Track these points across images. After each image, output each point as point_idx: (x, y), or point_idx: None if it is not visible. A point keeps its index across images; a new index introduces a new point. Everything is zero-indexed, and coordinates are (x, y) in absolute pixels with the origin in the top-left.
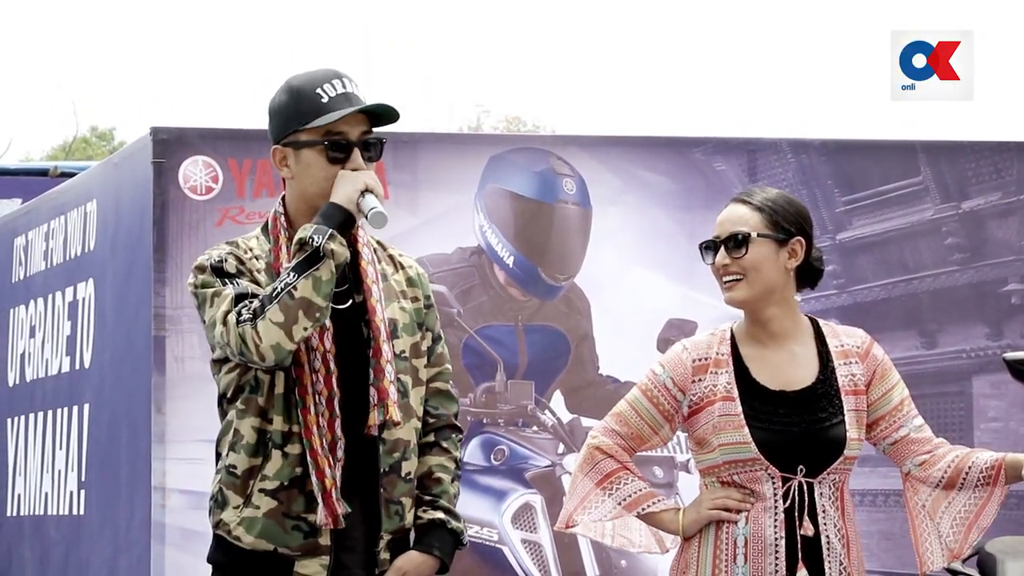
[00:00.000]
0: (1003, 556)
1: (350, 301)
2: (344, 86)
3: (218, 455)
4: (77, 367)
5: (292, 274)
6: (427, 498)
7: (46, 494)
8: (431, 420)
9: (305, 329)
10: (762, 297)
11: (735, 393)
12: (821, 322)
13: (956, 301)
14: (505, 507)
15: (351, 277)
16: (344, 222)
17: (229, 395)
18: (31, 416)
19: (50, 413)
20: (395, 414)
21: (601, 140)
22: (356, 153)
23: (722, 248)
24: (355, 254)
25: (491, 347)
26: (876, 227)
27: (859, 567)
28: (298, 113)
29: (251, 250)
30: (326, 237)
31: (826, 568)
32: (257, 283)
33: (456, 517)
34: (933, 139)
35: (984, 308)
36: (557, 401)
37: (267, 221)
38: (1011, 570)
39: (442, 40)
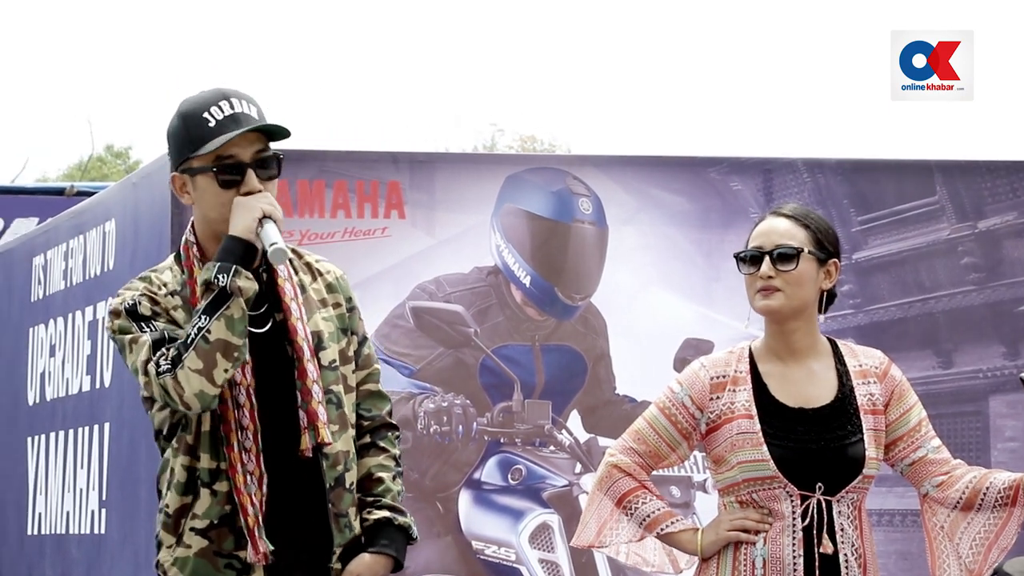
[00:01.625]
0: None
1: (270, 322)
2: (232, 107)
3: (159, 493)
4: (97, 386)
5: (203, 317)
6: (370, 499)
7: (67, 513)
8: (365, 422)
9: (226, 371)
10: (795, 312)
11: (754, 411)
12: (839, 342)
13: (972, 321)
14: (522, 527)
15: (269, 296)
16: (245, 254)
17: (165, 432)
18: (52, 435)
19: (71, 432)
20: (326, 436)
21: (617, 160)
22: (250, 175)
23: (766, 259)
24: (271, 271)
25: (508, 367)
26: (892, 247)
27: None
28: (188, 140)
29: (165, 285)
30: (230, 275)
31: None
32: (174, 321)
33: (402, 513)
34: (949, 159)
35: (1000, 328)
36: (574, 421)
37: (179, 250)
38: None
39: (456, 59)
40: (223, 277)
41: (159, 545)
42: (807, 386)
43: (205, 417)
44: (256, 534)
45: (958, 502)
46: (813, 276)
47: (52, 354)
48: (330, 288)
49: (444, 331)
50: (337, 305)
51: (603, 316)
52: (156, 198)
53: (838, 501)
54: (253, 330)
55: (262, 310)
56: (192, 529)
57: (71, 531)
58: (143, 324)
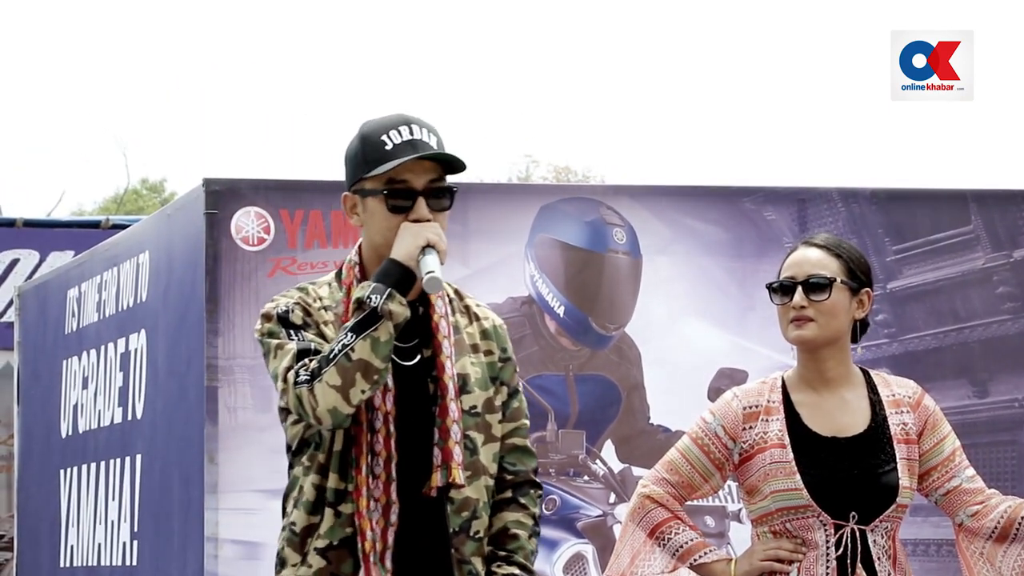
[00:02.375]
0: None
1: (418, 357)
2: (412, 132)
3: (284, 510)
4: (129, 418)
5: (350, 335)
6: (502, 554)
7: (99, 545)
8: (508, 477)
9: (363, 392)
10: (827, 341)
11: (787, 440)
12: (872, 372)
13: (1008, 350)
14: (556, 557)
15: (421, 331)
16: (402, 279)
17: (295, 447)
18: (84, 467)
19: (103, 464)
20: (459, 477)
21: (651, 190)
22: (420, 202)
23: (799, 289)
24: (428, 306)
25: (542, 396)
26: (927, 276)
27: None
28: (364, 161)
29: (320, 299)
30: (384, 297)
31: None
32: (323, 335)
33: (531, 572)
34: (984, 188)
35: None
36: (608, 451)
37: (341, 268)
38: None
39: (491, 90)
40: (376, 298)
41: (282, 563)
42: (840, 415)
43: (338, 437)
44: (371, 559)
45: (993, 532)
46: (846, 306)
47: (85, 386)
48: (484, 334)
49: None
50: (489, 353)
51: (637, 346)
52: (190, 230)
53: (872, 530)
54: (400, 361)
55: (412, 344)
56: (315, 549)
57: (103, 563)
58: (292, 332)
